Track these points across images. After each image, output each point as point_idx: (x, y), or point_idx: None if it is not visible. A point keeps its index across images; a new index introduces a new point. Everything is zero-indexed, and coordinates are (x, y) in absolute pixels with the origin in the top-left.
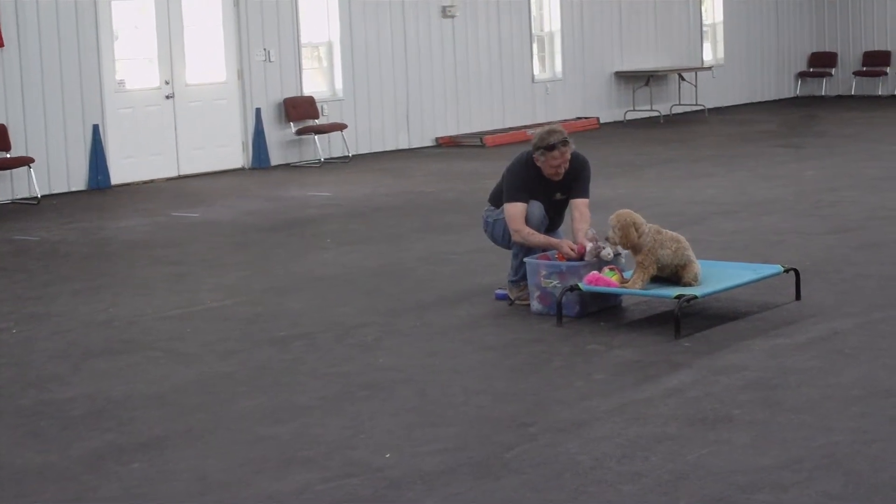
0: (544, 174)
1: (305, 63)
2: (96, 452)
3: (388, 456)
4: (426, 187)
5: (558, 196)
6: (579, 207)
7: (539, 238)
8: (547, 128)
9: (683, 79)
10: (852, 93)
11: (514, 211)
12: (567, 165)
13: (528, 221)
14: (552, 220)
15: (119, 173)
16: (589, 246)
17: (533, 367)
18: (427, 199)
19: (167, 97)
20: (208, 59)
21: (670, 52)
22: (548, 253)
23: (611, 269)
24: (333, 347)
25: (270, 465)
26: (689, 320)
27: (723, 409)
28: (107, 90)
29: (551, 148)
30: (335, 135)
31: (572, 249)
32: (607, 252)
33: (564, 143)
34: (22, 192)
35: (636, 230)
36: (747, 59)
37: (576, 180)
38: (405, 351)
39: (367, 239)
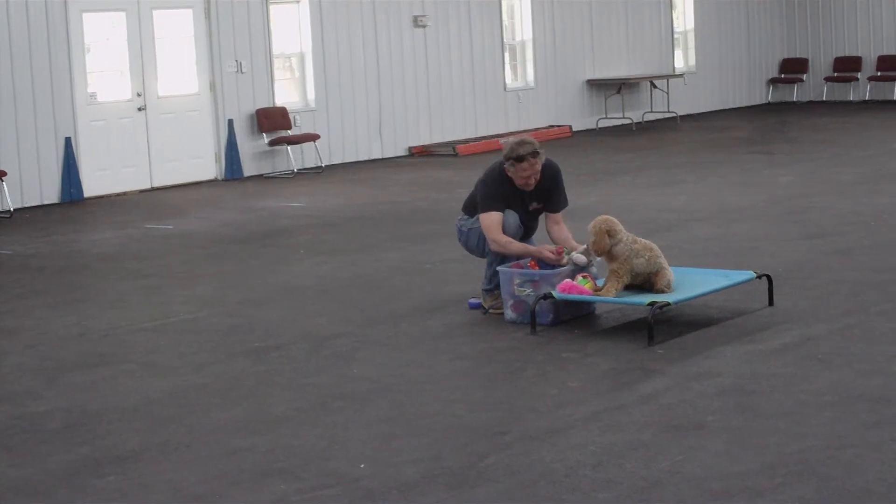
0: (516, 184)
1: (277, 74)
2: (72, 466)
3: (363, 466)
4: (399, 197)
5: (534, 205)
6: (555, 219)
7: (517, 246)
8: (517, 139)
9: (655, 86)
10: (824, 98)
11: (491, 221)
12: (538, 176)
13: (503, 231)
14: (527, 229)
15: (92, 186)
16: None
17: (507, 376)
18: (400, 209)
19: (139, 109)
20: (180, 71)
21: (642, 59)
22: (521, 261)
23: (584, 277)
24: (308, 358)
25: (246, 476)
26: (662, 327)
27: (697, 416)
28: (79, 103)
29: (521, 159)
30: (308, 145)
31: (552, 252)
32: (580, 257)
33: (534, 154)
34: None
35: (610, 237)
36: (719, 65)
37: (551, 191)
38: (380, 361)
39: (341, 249)
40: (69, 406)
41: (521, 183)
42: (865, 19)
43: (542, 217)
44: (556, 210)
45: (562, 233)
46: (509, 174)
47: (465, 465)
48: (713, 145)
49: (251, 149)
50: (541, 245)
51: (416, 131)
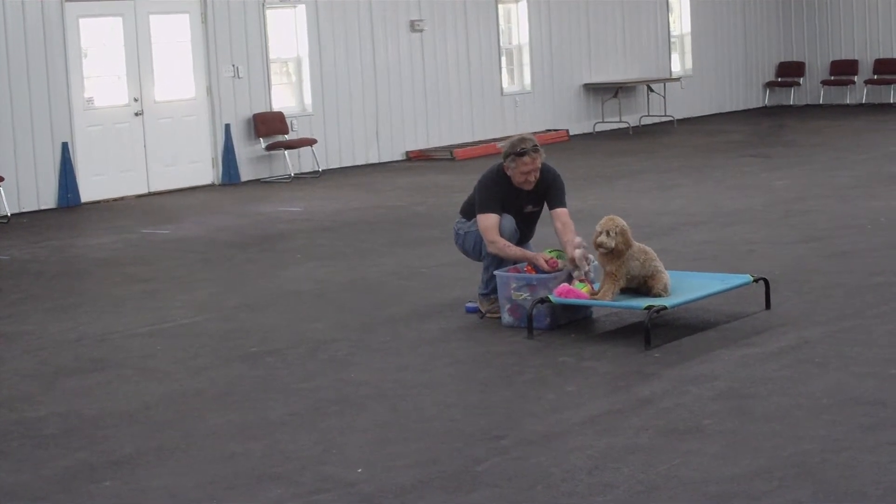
0: (515, 183)
1: (274, 78)
2: (68, 471)
3: (359, 471)
4: (397, 201)
5: (530, 208)
6: (561, 218)
7: (514, 250)
8: (517, 136)
9: (652, 90)
10: (820, 102)
11: (489, 223)
12: (537, 174)
13: (499, 234)
14: (523, 233)
15: (89, 191)
16: (577, 253)
17: (504, 380)
18: (397, 213)
19: (136, 114)
20: (177, 76)
21: (639, 63)
22: (517, 265)
23: (581, 281)
24: (305, 363)
25: (242, 481)
26: (659, 331)
27: (693, 420)
28: (76, 108)
29: (522, 154)
30: (305, 150)
31: (547, 262)
32: (580, 272)
33: (535, 149)
34: None
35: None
36: (715, 69)
37: (550, 191)
38: (376, 365)
39: (338, 254)
40: (66, 411)
41: (520, 181)
42: (862, 23)
43: (542, 219)
44: (557, 204)
45: (564, 234)
46: (508, 172)
47: (462, 469)
48: (710, 149)
49: (248, 153)
50: (538, 252)
51: (414, 136)
